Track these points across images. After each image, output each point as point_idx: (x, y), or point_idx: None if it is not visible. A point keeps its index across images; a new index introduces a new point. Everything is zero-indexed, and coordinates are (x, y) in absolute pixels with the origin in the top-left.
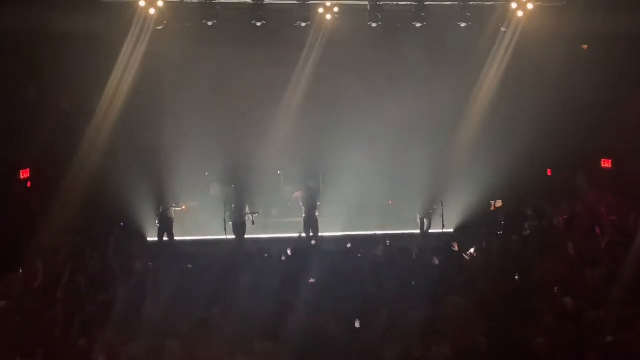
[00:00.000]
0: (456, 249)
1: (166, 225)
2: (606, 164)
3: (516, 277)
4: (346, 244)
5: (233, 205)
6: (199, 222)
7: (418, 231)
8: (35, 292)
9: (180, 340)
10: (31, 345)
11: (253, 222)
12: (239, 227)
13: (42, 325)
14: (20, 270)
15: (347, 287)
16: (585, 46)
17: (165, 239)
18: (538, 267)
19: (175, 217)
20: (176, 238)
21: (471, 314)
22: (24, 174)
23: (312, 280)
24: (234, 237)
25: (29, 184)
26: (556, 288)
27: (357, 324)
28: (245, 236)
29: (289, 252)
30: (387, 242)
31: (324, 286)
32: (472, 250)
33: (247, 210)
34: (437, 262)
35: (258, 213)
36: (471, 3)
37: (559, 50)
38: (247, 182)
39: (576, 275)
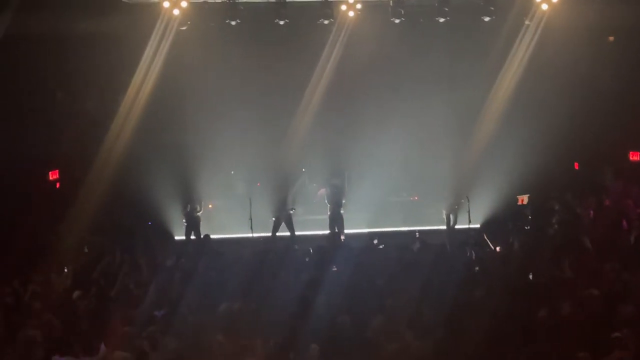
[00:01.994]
0: (487, 241)
1: (193, 224)
2: (634, 156)
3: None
4: (372, 241)
5: (278, 201)
6: (225, 221)
7: (444, 227)
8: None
9: (210, 334)
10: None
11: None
12: (286, 221)
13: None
14: (65, 270)
15: (372, 283)
16: (611, 38)
17: (192, 237)
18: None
19: (202, 215)
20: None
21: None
22: (53, 175)
23: (335, 269)
24: (268, 234)
25: (57, 185)
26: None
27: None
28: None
29: (310, 250)
30: (417, 234)
31: (348, 282)
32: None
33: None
34: (467, 254)
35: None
36: None
37: (584, 42)
38: (281, 178)
39: (596, 269)
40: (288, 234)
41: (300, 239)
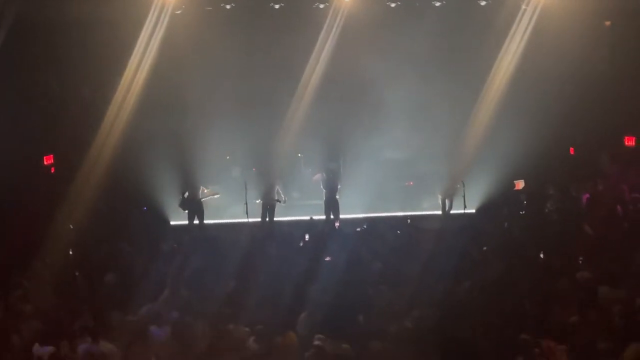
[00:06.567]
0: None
1: (197, 210)
2: (630, 141)
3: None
4: (363, 226)
5: (264, 188)
6: (221, 206)
7: (439, 212)
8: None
9: (204, 321)
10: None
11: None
12: (269, 209)
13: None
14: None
15: (366, 267)
16: (608, 22)
17: (195, 222)
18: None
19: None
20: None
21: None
22: (48, 160)
23: (328, 259)
24: (258, 219)
25: (52, 170)
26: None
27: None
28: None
29: (306, 237)
30: (409, 220)
31: (343, 268)
32: None
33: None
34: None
35: (280, 201)
36: None
37: (581, 26)
38: (268, 165)
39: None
40: (281, 219)
41: (294, 224)
